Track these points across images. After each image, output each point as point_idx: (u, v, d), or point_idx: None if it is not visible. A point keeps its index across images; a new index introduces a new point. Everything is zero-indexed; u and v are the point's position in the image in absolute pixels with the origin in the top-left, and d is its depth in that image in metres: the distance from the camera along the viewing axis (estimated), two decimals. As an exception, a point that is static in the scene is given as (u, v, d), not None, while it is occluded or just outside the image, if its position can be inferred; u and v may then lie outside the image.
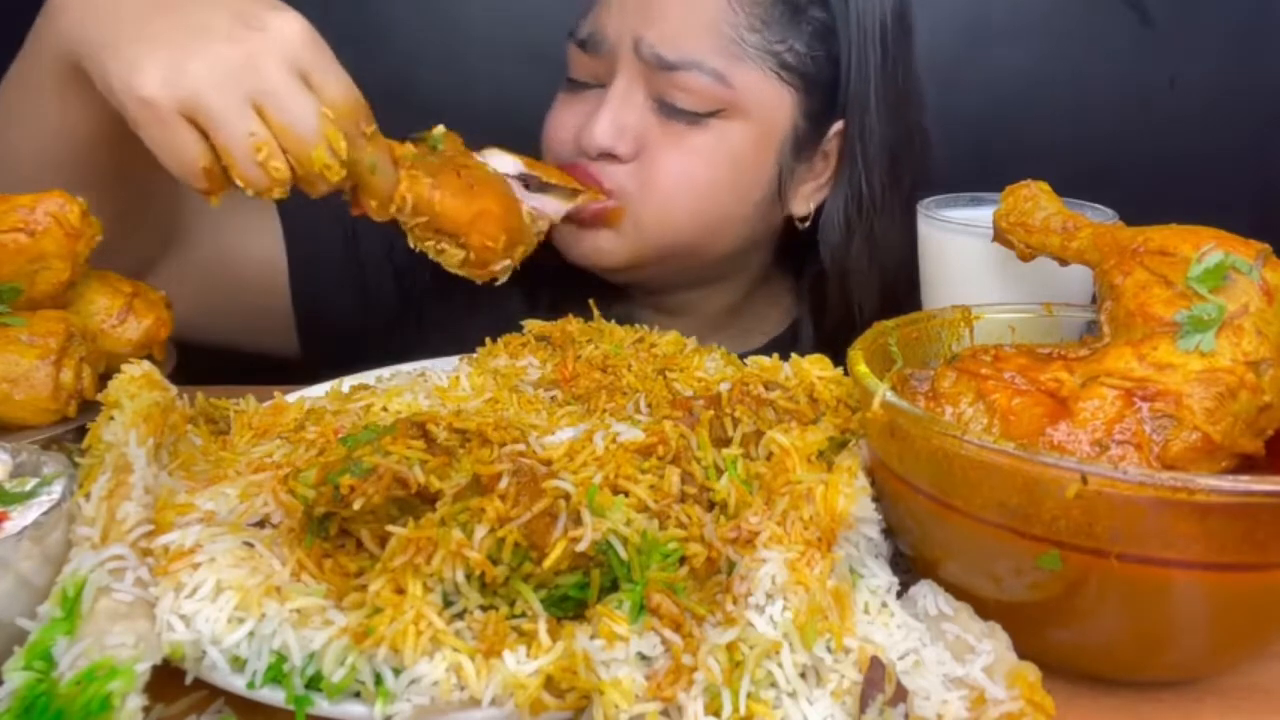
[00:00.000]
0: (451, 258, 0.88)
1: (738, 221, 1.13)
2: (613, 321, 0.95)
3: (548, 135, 1.14)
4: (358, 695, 0.53)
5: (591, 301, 0.98)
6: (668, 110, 1.06)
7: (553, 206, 1.00)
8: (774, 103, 1.08)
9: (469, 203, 0.87)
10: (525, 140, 1.11)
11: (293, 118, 0.75)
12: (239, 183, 0.76)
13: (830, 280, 1.18)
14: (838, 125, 1.12)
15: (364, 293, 1.18)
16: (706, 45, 1.04)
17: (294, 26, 0.77)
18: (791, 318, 1.29)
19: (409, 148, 0.87)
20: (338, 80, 0.78)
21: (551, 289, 1.18)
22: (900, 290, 1.13)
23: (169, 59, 0.73)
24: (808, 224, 1.17)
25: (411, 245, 0.89)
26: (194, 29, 0.75)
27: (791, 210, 1.17)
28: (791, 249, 1.25)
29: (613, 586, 0.58)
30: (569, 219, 1.05)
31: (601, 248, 1.10)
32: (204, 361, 0.98)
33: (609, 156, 1.06)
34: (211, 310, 1.10)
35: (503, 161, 0.97)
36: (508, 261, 0.91)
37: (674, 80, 1.04)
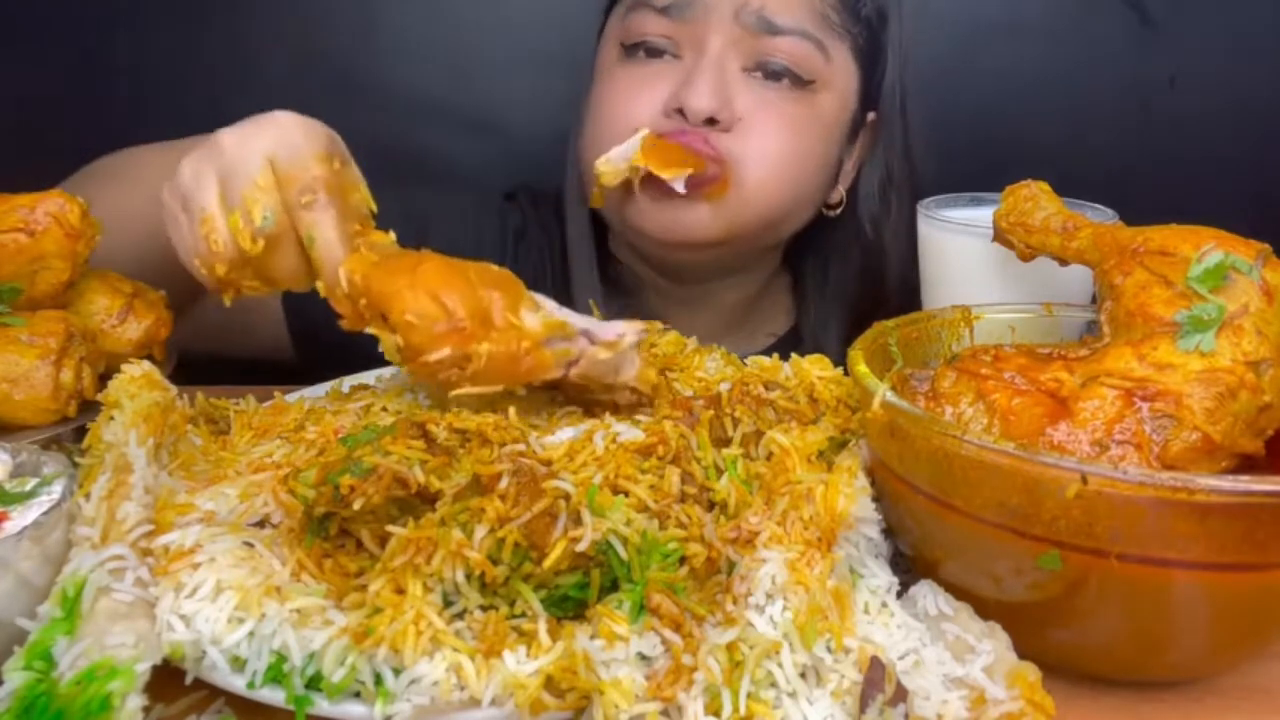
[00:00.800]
0: (385, 343, 0.69)
1: (814, 198, 1.15)
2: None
3: (612, 113, 1.09)
4: (358, 695, 0.53)
5: (592, 302, 0.98)
6: (763, 77, 1.06)
7: (611, 331, 0.75)
8: (849, 81, 1.12)
9: (403, 282, 0.68)
10: (526, 139, 1.10)
11: (230, 190, 0.72)
12: (193, 261, 0.73)
13: (854, 256, 1.20)
14: (871, 115, 1.17)
15: None
16: (804, 15, 1.06)
17: (282, 115, 0.75)
18: (792, 319, 1.29)
19: (388, 236, 0.75)
20: (289, 151, 0.72)
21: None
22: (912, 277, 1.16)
23: (186, 160, 0.74)
24: (837, 211, 1.19)
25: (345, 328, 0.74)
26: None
27: (829, 196, 1.18)
28: (788, 251, 1.26)
29: (613, 586, 0.58)
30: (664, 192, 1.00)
31: (701, 220, 1.06)
32: (204, 362, 0.98)
33: (710, 123, 1.04)
34: (207, 320, 1.09)
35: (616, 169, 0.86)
36: (446, 351, 0.67)
37: (777, 46, 1.05)
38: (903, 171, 1.19)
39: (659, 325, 0.75)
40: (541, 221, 1.26)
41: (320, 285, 0.73)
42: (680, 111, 1.04)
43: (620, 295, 1.20)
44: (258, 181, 0.71)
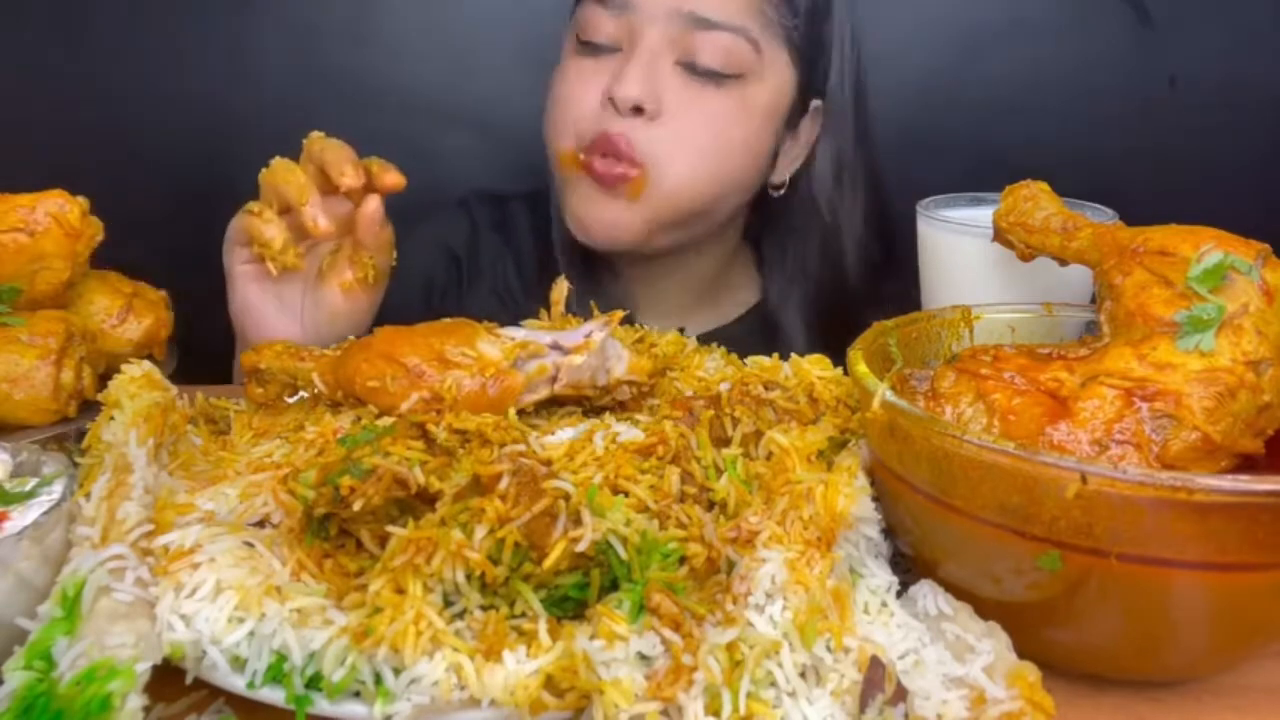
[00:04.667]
0: (369, 416, 0.72)
1: (745, 184, 1.19)
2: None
3: (564, 102, 1.15)
4: (358, 695, 0.53)
5: (593, 304, 0.98)
6: (691, 71, 1.10)
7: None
8: (784, 73, 1.16)
9: (358, 359, 0.73)
10: (527, 139, 1.11)
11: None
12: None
13: (812, 235, 1.25)
14: (816, 103, 1.21)
15: None
16: (739, 11, 1.10)
17: None
18: (759, 291, 1.34)
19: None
20: None
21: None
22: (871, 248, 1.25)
23: None
24: (781, 191, 1.24)
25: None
26: None
27: (772, 178, 1.23)
28: (749, 226, 1.32)
29: (613, 586, 0.58)
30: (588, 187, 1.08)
31: (620, 221, 1.13)
32: (204, 363, 0.98)
33: (637, 112, 1.09)
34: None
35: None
36: (414, 397, 0.70)
37: (709, 40, 1.09)
38: (856, 157, 1.24)
39: (620, 314, 0.77)
40: (495, 222, 1.34)
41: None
42: (612, 101, 1.09)
43: (590, 277, 1.24)
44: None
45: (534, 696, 0.51)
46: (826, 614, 0.55)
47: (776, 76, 1.15)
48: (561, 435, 0.68)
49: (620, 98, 1.08)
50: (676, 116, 1.10)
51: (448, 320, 0.76)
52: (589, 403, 0.76)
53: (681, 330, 1.21)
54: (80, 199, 0.86)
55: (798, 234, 1.26)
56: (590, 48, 1.14)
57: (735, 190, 1.19)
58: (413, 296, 1.24)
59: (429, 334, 0.73)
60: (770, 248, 1.30)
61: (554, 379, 0.72)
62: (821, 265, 1.26)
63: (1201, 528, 0.52)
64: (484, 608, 0.55)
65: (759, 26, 1.11)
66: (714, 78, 1.11)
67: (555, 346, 0.73)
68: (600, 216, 1.13)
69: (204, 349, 1.02)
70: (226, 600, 0.54)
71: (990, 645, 0.56)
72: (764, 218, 1.28)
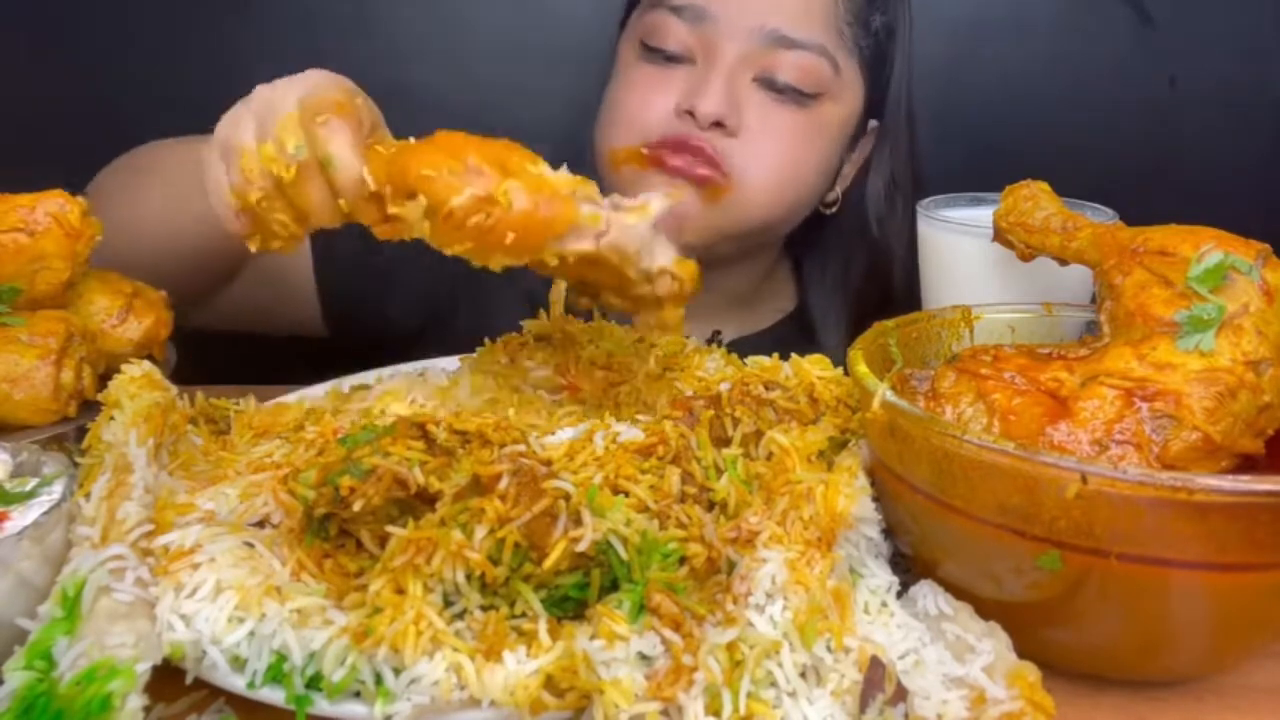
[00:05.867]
0: (412, 219, 0.66)
1: (810, 203, 1.20)
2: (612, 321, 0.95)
3: (625, 106, 1.13)
4: (358, 695, 0.53)
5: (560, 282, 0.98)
6: (769, 88, 1.09)
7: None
8: (857, 93, 1.16)
9: (419, 149, 0.68)
10: (530, 137, 1.10)
11: (265, 127, 0.72)
12: (226, 200, 0.73)
13: (859, 250, 1.25)
14: (873, 123, 1.21)
15: (384, 278, 1.19)
16: (820, 30, 1.10)
17: (313, 71, 0.76)
18: (795, 299, 1.34)
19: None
20: (311, 83, 0.74)
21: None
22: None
23: (226, 115, 0.76)
24: (834, 209, 1.24)
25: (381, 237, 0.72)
26: None
27: (826, 196, 1.23)
28: (790, 237, 1.30)
29: (613, 586, 0.58)
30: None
31: (688, 216, 1.09)
32: (205, 361, 0.98)
33: (717, 127, 1.07)
34: (239, 300, 1.12)
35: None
36: (469, 193, 0.65)
37: (790, 59, 1.08)
38: (905, 175, 1.24)
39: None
40: None
41: (344, 205, 0.70)
42: (690, 114, 1.07)
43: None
44: (291, 115, 0.71)
45: (534, 696, 0.51)
46: (827, 614, 0.55)
47: (850, 96, 1.15)
48: (561, 435, 0.68)
49: (703, 113, 1.06)
50: (755, 134, 1.09)
51: (506, 140, 0.70)
52: (629, 291, 0.71)
53: (717, 334, 1.20)
54: (80, 199, 0.86)
55: (842, 249, 1.26)
56: (658, 54, 1.12)
57: (802, 209, 1.19)
58: (439, 289, 1.21)
59: (493, 142, 0.69)
60: (812, 260, 1.30)
61: (602, 234, 0.68)
62: (866, 279, 1.25)
63: (1201, 528, 0.52)
64: (484, 608, 0.55)
65: (835, 46, 1.11)
66: (793, 96, 1.10)
67: (613, 205, 0.69)
68: (671, 215, 1.11)
69: (204, 349, 1.03)
70: (226, 600, 0.54)
71: (990, 645, 0.56)
72: (805, 229, 1.27)
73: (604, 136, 1.15)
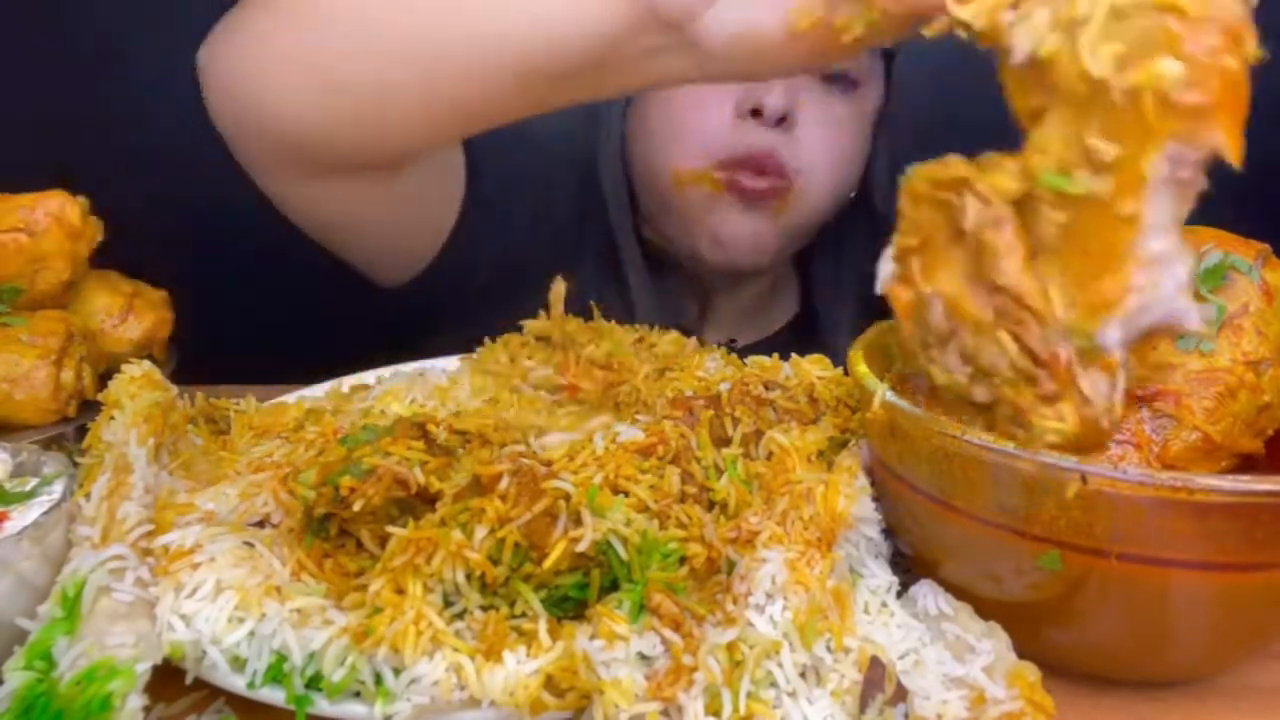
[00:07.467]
0: None
1: (848, 195, 1.16)
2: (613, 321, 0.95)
3: (684, 122, 1.08)
4: (358, 695, 0.53)
5: (592, 303, 0.98)
6: (822, 79, 1.08)
7: None
8: (880, 77, 1.15)
9: None
10: (535, 141, 1.10)
11: None
12: None
13: (863, 236, 1.20)
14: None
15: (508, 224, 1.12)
16: None
17: None
18: (799, 301, 1.32)
19: None
20: None
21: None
22: None
23: None
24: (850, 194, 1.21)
25: None
26: None
27: None
28: None
29: (613, 586, 0.58)
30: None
31: (763, 235, 1.08)
32: (205, 362, 0.98)
33: (780, 122, 1.04)
34: (411, 184, 1.00)
35: None
36: None
37: None
38: (905, 159, 1.21)
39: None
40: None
41: None
42: (754, 113, 1.04)
43: (659, 281, 1.20)
44: None
45: (534, 696, 0.51)
46: (826, 614, 0.55)
47: (878, 82, 1.14)
48: (562, 435, 0.68)
49: (771, 108, 1.02)
50: (809, 126, 1.07)
51: None
52: None
53: (732, 342, 1.20)
54: (80, 199, 0.86)
55: (849, 238, 1.23)
56: None
57: (843, 201, 1.16)
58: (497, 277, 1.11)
59: None
60: (824, 259, 1.27)
61: None
62: (874, 265, 1.24)
63: (1201, 528, 0.52)
64: (484, 608, 0.55)
65: None
66: (840, 84, 1.08)
67: None
68: (744, 233, 1.08)
69: (204, 349, 1.03)
70: (226, 600, 0.54)
71: (990, 645, 0.56)
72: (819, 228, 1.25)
73: (666, 157, 1.09)
